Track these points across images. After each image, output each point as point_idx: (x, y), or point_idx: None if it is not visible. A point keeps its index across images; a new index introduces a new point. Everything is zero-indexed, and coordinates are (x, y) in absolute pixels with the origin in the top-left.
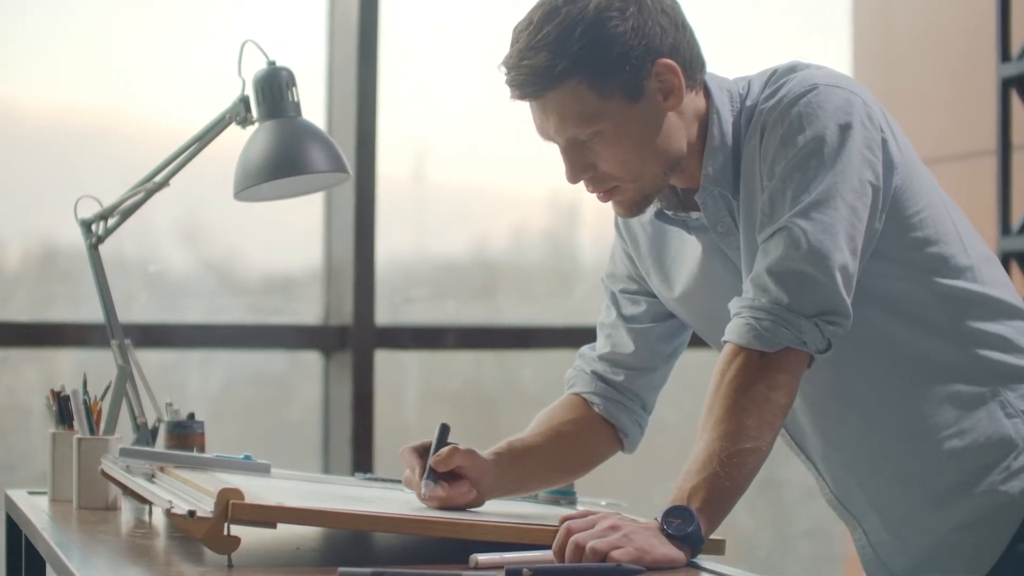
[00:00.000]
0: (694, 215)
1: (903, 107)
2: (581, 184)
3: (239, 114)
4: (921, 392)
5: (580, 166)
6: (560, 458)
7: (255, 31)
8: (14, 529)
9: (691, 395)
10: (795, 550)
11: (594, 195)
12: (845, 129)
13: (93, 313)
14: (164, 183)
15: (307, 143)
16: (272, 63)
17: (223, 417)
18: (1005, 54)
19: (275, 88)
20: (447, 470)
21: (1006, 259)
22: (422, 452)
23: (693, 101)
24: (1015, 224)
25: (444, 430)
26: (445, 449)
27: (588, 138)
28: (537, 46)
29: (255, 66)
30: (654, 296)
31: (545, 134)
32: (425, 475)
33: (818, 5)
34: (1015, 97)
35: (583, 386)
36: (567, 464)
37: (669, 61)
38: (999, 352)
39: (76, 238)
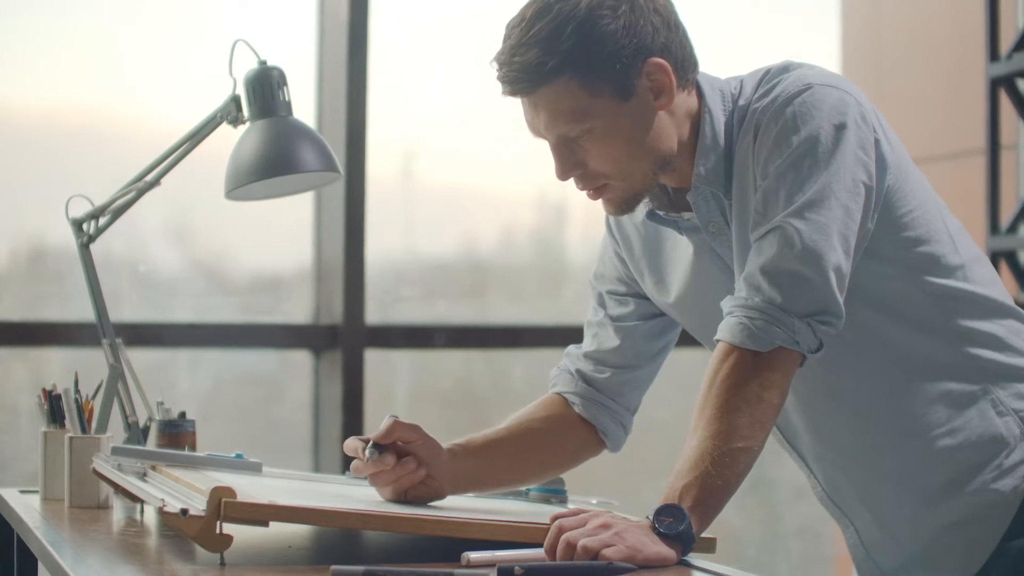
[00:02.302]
0: (686, 215)
1: (892, 106)
2: (570, 184)
3: (230, 113)
4: (913, 390)
5: (570, 163)
6: (524, 454)
7: (246, 31)
8: (6, 528)
9: (682, 394)
10: (785, 549)
11: (583, 193)
12: (840, 129)
13: (82, 312)
14: (155, 182)
15: (298, 142)
16: (263, 62)
17: (213, 416)
18: (994, 53)
19: (266, 87)
20: (389, 442)
21: (994, 258)
22: (366, 441)
23: (685, 101)
24: (1004, 223)
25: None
26: (384, 422)
27: (578, 136)
28: (529, 43)
29: (246, 65)
30: (642, 297)
31: (536, 130)
32: (368, 446)
33: (808, 4)
34: (1004, 96)
35: (564, 386)
36: (533, 461)
37: (660, 60)
38: (990, 351)
39: (65, 237)
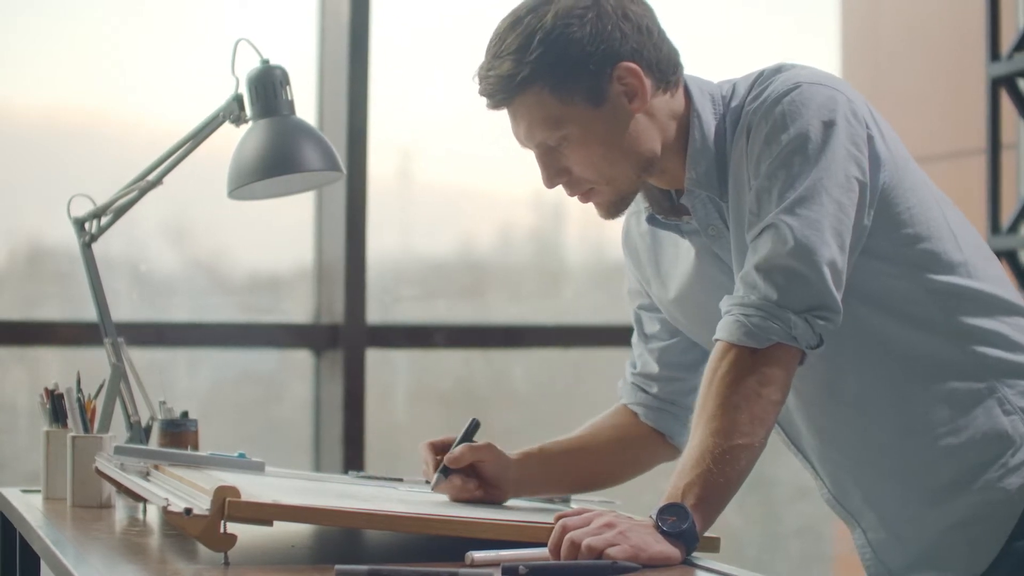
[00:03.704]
0: (687, 219)
1: (892, 106)
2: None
3: (233, 112)
4: (916, 389)
5: (553, 170)
6: (597, 461)
7: (246, 30)
8: (8, 527)
9: None
10: (785, 549)
11: (575, 198)
12: (829, 126)
13: (80, 312)
14: (158, 181)
15: (301, 141)
16: (266, 62)
17: (213, 416)
18: (994, 53)
19: (269, 87)
20: (461, 467)
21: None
22: (439, 448)
23: (667, 103)
24: (1004, 223)
25: (473, 426)
26: (459, 448)
27: (556, 143)
28: (502, 55)
29: (248, 65)
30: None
31: (520, 141)
32: (439, 469)
33: (807, 4)
34: (1004, 96)
35: (628, 397)
36: (606, 467)
37: (631, 65)
38: (996, 349)
39: (64, 237)
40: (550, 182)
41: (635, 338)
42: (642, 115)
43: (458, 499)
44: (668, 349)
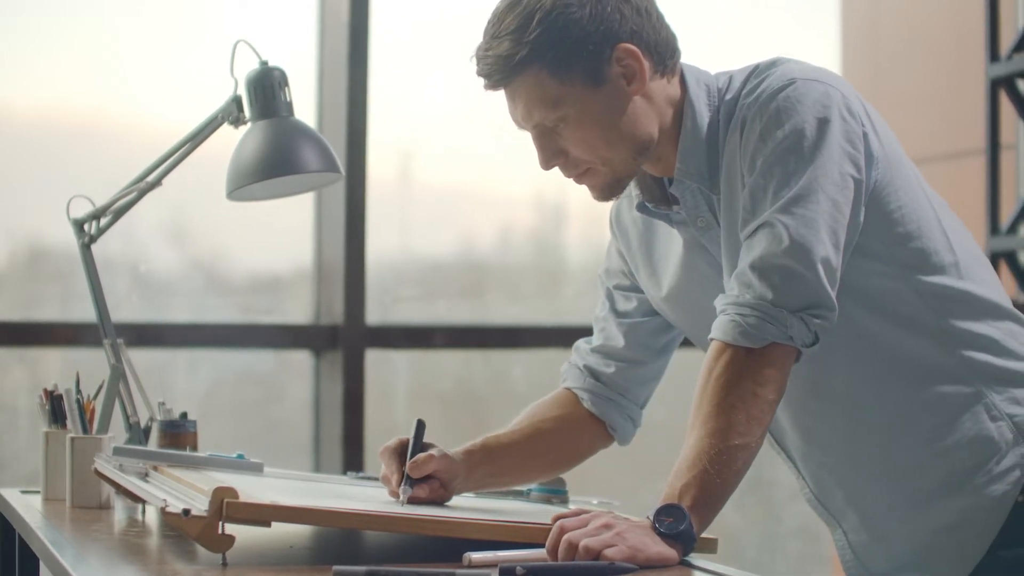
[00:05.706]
0: (676, 209)
1: (891, 106)
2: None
3: (232, 114)
4: (902, 390)
5: (550, 151)
6: (538, 455)
7: (246, 31)
8: (7, 528)
9: (679, 394)
10: (783, 549)
11: (582, 192)
12: (824, 123)
13: (80, 312)
14: (157, 182)
15: (300, 143)
16: (264, 63)
17: (212, 417)
18: (994, 54)
19: (268, 88)
20: (423, 475)
21: (994, 258)
22: (400, 452)
23: (665, 88)
24: (1004, 223)
25: (420, 427)
26: (420, 457)
27: (554, 124)
28: (500, 36)
29: (247, 66)
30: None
31: (517, 122)
32: (403, 482)
33: (807, 3)
34: (1004, 97)
35: (573, 381)
36: (547, 460)
37: (630, 46)
38: (985, 353)
39: (63, 237)
40: (546, 163)
41: (602, 313)
42: (640, 98)
43: (426, 501)
44: (639, 326)
